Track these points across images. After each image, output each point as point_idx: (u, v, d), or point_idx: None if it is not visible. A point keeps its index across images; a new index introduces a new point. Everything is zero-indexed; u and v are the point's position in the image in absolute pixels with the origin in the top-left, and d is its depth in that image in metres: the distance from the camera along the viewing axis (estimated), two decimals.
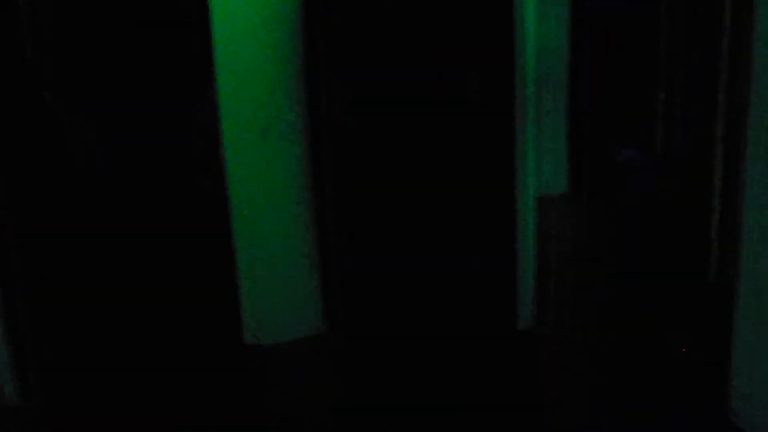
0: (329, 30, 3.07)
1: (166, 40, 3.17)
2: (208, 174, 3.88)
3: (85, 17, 2.96)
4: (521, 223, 3.09)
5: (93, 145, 2.99)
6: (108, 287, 3.04)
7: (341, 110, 3.21)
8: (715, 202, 3.49)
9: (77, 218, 2.95)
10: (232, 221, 3.26)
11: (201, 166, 4.03)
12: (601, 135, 5.78)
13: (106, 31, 3.01)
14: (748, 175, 2.07)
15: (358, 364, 3.19)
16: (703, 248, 3.56)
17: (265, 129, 3.10)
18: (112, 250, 3.08)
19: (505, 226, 3.08)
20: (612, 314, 3.41)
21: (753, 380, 2.20)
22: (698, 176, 3.73)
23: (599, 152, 5.72)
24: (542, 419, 2.59)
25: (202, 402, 2.76)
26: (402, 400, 2.73)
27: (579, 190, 5.66)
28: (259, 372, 3.07)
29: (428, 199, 3.17)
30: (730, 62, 3.33)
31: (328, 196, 3.29)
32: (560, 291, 3.58)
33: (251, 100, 3.05)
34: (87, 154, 2.99)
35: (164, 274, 3.28)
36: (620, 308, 3.46)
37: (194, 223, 3.87)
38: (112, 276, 3.08)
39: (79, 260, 2.97)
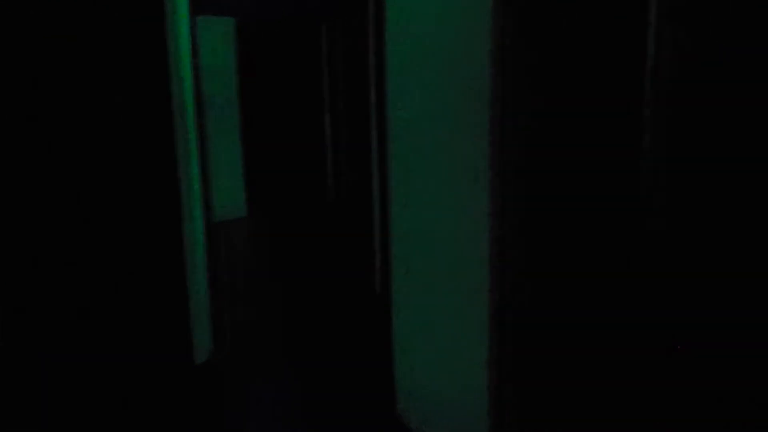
0: None
1: None
2: None
3: None
4: (191, 252, 2.90)
5: None
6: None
7: None
8: (376, 233, 3.83)
9: None
10: None
11: None
12: (277, 157, 5.90)
13: None
14: (392, 212, 2.34)
15: None
16: (369, 268, 3.86)
17: None
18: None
19: (173, 258, 2.87)
20: (290, 327, 3.43)
21: (413, 380, 2.38)
22: (363, 210, 4.03)
23: (277, 176, 5.81)
24: None
25: None
26: None
27: (259, 213, 5.69)
28: None
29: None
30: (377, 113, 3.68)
31: None
32: (237, 316, 3.50)
33: None
34: None
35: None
36: (298, 320, 3.50)
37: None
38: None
39: None
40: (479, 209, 2.04)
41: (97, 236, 2.78)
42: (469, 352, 2.19)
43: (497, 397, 2.20)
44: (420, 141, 2.17)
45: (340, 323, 3.46)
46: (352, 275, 4.05)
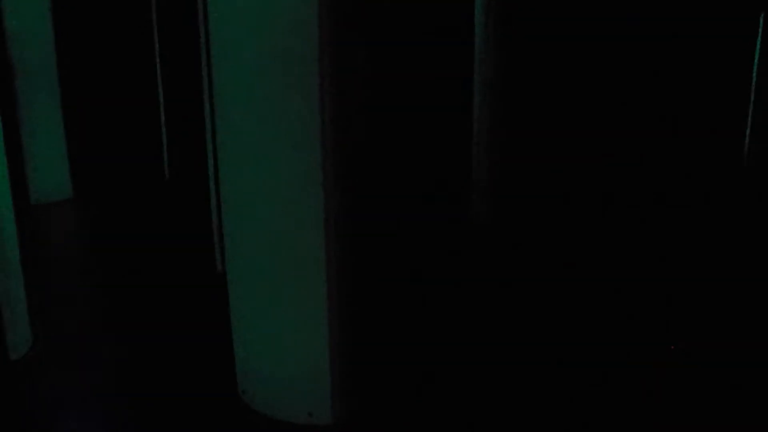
0: None
1: None
2: None
3: None
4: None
5: None
6: None
7: None
8: (213, 209, 3.67)
9: None
10: None
11: None
12: (105, 132, 5.48)
13: None
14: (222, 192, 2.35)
15: None
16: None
17: None
18: None
19: None
20: (123, 311, 3.24)
21: (251, 359, 2.35)
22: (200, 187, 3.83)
23: (105, 155, 5.40)
24: None
25: None
26: None
27: (86, 194, 5.26)
28: None
29: None
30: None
31: None
32: (57, 304, 3.23)
33: None
34: None
35: None
36: (132, 304, 3.32)
37: None
38: None
39: None
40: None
41: None
42: (307, 328, 2.21)
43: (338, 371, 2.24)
44: (248, 118, 2.10)
45: (182, 304, 3.33)
46: (191, 256, 3.89)
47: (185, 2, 3.99)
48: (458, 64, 4.09)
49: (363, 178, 2.20)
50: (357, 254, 2.24)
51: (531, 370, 2.65)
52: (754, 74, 4.30)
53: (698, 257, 3.66)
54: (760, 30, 4.18)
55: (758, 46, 4.21)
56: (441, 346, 2.84)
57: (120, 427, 2.44)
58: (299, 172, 2.06)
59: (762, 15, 4.15)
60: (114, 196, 5.24)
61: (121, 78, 5.48)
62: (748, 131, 4.42)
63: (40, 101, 5.16)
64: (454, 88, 4.20)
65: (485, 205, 4.04)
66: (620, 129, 4.33)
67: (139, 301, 3.40)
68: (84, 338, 3.06)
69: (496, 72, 3.83)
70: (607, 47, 4.26)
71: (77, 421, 2.45)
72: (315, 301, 2.17)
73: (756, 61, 4.25)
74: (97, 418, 2.50)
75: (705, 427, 2.33)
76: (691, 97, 4.37)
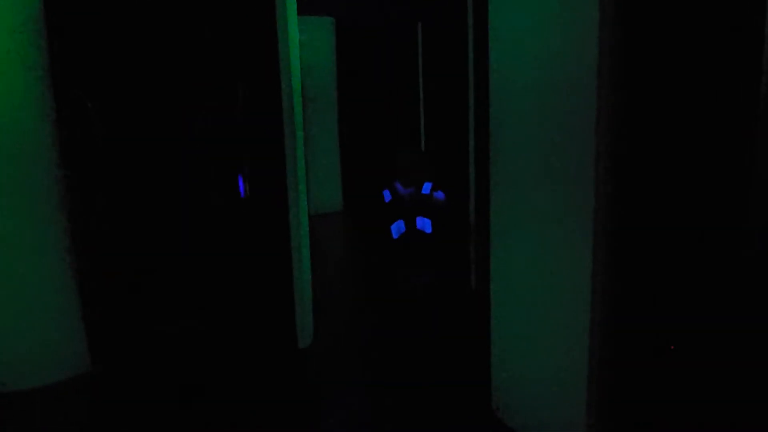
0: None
1: None
2: None
3: None
4: (295, 240, 3.06)
5: None
6: None
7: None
8: (472, 231, 3.93)
9: None
10: None
11: None
12: (370, 154, 6.03)
13: None
14: (492, 211, 2.43)
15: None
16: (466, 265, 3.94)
17: None
18: None
19: (281, 243, 3.04)
20: (382, 322, 3.55)
21: (509, 376, 2.42)
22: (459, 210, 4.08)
23: (370, 172, 5.94)
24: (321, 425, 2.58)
25: None
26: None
27: (353, 208, 5.85)
28: None
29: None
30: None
31: None
32: (335, 305, 3.65)
33: None
34: None
35: None
36: (392, 316, 3.62)
37: None
38: None
39: None
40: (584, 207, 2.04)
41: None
42: (568, 355, 2.20)
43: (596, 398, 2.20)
44: (525, 139, 2.20)
45: (437, 316, 3.55)
46: (447, 272, 4.11)
47: (449, 32, 4.23)
48: None
49: (635, 201, 2.14)
50: (624, 281, 2.18)
51: None
52: None
53: None
54: None
55: None
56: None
57: (371, 423, 2.66)
58: (569, 203, 2.09)
59: None
60: (374, 209, 5.73)
61: (387, 110, 5.98)
62: None
63: (321, 127, 5.90)
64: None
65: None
66: None
67: (399, 311, 3.70)
68: (353, 332, 3.42)
69: None
70: None
71: (345, 411, 2.73)
72: (577, 330, 2.16)
73: None
74: (361, 410, 2.76)
75: None
76: None
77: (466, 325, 3.47)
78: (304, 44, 5.46)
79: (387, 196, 3.52)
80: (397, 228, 3.47)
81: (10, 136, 2.66)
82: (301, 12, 3.41)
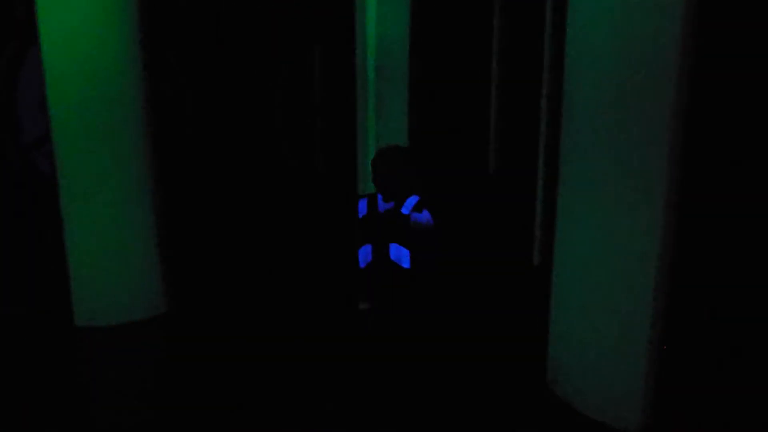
0: None
1: None
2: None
3: None
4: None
5: None
6: None
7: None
8: (538, 207, 3.97)
9: None
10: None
11: None
12: (439, 129, 6.05)
13: None
14: (561, 187, 2.48)
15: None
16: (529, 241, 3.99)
17: None
18: None
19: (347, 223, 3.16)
20: (452, 296, 3.65)
21: (567, 351, 2.50)
22: (526, 188, 4.13)
23: (439, 146, 5.96)
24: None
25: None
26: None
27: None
28: None
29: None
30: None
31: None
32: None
33: None
34: None
35: None
36: (461, 289, 3.72)
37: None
38: None
39: None
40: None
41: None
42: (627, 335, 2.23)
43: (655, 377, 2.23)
44: (599, 130, 2.23)
45: (497, 290, 3.60)
46: (509, 246, 4.16)
47: (528, 14, 4.21)
48: None
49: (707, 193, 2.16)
50: (689, 265, 2.20)
51: None
52: None
53: None
54: None
55: None
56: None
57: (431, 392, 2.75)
58: (638, 188, 2.14)
59: None
60: (442, 186, 5.78)
61: (458, 83, 5.97)
62: None
63: (391, 99, 5.91)
64: None
65: None
66: None
67: (470, 285, 3.82)
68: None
69: None
70: None
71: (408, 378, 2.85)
72: (639, 304, 2.20)
73: None
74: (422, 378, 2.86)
75: None
76: None
77: (525, 300, 3.53)
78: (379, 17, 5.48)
79: (362, 208, 2.40)
80: (364, 255, 2.37)
81: (107, 86, 3.01)
82: None
